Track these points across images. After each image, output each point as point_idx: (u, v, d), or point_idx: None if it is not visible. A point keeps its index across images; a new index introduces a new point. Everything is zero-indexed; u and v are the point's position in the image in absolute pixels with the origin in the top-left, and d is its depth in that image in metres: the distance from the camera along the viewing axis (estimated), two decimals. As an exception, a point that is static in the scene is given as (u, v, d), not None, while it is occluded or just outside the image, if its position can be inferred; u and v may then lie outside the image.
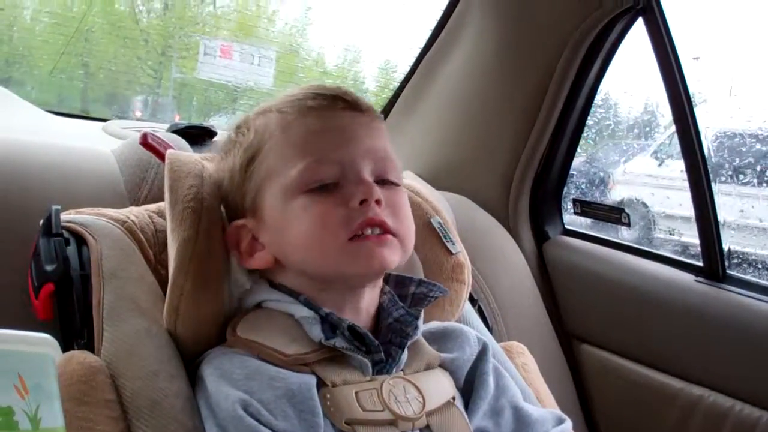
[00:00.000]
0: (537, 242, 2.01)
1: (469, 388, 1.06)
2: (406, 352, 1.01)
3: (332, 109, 1.02)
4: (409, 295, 1.07)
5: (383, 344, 0.99)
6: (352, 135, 1.01)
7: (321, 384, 0.94)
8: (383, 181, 1.01)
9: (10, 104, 2.02)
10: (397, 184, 1.03)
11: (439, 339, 1.09)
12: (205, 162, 1.13)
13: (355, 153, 0.99)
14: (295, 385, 0.91)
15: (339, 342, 0.95)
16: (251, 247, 1.03)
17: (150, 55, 3.39)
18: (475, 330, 1.18)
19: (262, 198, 1.01)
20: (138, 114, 3.26)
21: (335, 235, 0.95)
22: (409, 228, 1.03)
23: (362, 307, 1.03)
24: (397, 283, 1.09)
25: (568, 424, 1.09)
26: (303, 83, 3.22)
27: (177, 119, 1.79)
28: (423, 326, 1.06)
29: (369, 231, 0.96)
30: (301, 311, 0.98)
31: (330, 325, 0.97)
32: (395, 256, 0.99)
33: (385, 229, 0.97)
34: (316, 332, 0.96)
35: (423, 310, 1.06)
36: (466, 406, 1.04)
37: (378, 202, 0.97)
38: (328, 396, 0.93)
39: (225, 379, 0.92)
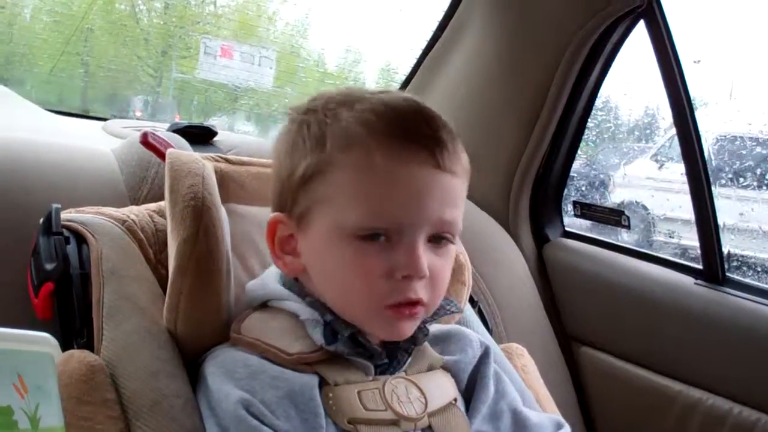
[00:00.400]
0: (537, 244, 2.01)
1: (470, 391, 1.06)
2: None
3: (415, 162, 0.93)
4: None
5: (391, 345, 0.99)
6: (423, 198, 0.93)
7: (323, 383, 0.94)
8: (438, 238, 0.96)
9: (11, 103, 2.02)
10: (451, 241, 0.98)
11: (442, 341, 1.09)
12: (206, 162, 1.12)
13: (419, 218, 0.93)
14: (297, 385, 0.91)
15: (340, 347, 0.95)
16: (286, 242, 1.00)
17: (150, 55, 3.39)
18: (476, 332, 1.17)
19: (312, 218, 0.96)
20: (138, 114, 3.26)
21: (370, 300, 0.93)
22: (441, 295, 1.00)
23: None
24: None
25: (567, 430, 1.09)
26: (303, 84, 3.22)
27: (177, 119, 1.78)
28: None
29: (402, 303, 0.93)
30: (305, 313, 0.98)
31: (332, 329, 0.96)
32: (416, 325, 0.98)
33: (419, 304, 0.94)
34: (317, 336, 0.96)
35: None
36: (467, 410, 1.03)
37: (422, 277, 0.93)
38: (331, 395, 0.93)
39: (227, 377, 0.92)
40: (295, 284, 1.01)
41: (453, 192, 0.96)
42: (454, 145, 0.96)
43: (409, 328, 0.96)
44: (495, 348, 1.22)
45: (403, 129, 0.93)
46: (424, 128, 0.95)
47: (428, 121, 0.96)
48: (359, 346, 0.96)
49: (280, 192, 1.01)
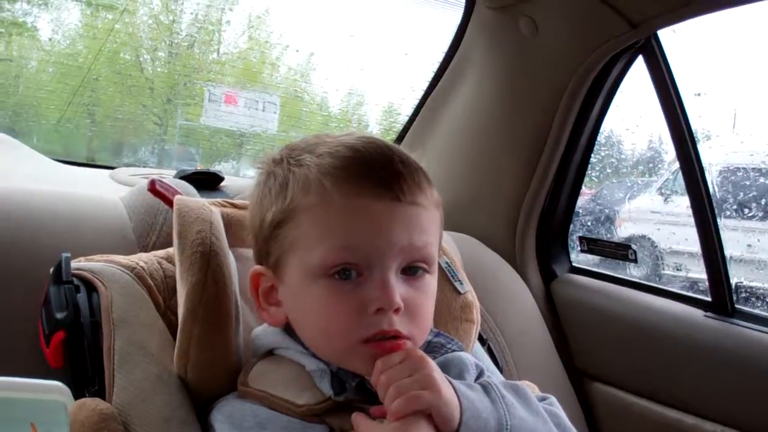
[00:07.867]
0: (545, 280, 2.01)
1: None
2: None
3: (372, 195, 0.94)
4: (425, 342, 1.05)
5: None
6: (384, 229, 0.93)
7: (330, 431, 0.93)
8: (412, 269, 0.97)
9: (18, 153, 2.04)
10: (427, 271, 0.99)
11: (442, 370, 1.08)
12: (213, 207, 1.13)
13: (385, 248, 0.93)
14: None
15: (348, 396, 0.95)
16: (269, 294, 1.01)
17: (156, 103, 3.43)
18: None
19: (284, 263, 0.98)
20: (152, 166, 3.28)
21: (345, 337, 0.93)
22: (425, 328, 0.99)
23: None
24: None
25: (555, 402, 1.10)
26: (307, 128, 3.25)
27: (198, 167, 1.80)
28: None
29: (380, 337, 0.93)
30: (311, 364, 0.98)
31: (339, 379, 0.96)
32: None
33: (402, 338, 0.94)
34: (326, 387, 0.95)
35: None
36: None
37: (397, 310, 0.93)
38: None
39: (235, 427, 0.92)
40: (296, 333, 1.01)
41: (419, 222, 0.96)
42: (414, 178, 0.97)
43: None
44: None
45: (358, 165, 0.95)
46: (380, 163, 0.96)
47: (385, 156, 0.97)
48: (368, 393, 0.95)
49: (256, 244, 1.03)
